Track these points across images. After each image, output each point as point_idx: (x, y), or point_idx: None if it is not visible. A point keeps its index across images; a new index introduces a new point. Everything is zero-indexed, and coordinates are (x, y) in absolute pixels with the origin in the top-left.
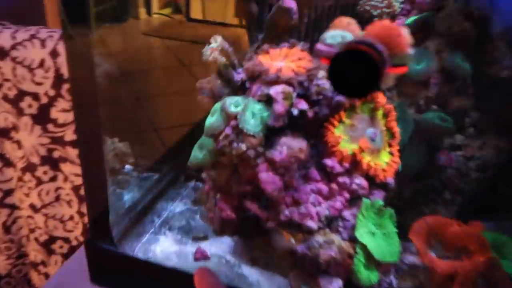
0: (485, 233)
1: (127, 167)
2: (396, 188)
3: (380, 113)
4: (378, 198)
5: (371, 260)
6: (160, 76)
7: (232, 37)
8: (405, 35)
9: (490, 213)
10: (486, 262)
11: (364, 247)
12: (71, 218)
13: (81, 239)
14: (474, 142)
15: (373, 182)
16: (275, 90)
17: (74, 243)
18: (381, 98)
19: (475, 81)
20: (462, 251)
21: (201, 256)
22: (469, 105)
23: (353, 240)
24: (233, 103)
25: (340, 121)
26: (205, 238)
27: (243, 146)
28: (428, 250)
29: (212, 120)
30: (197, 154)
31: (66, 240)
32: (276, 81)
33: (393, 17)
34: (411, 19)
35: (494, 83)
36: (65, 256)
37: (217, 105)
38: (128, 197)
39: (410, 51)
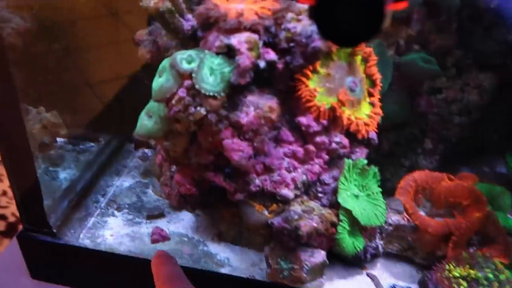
0: (478, 185)
1: (59, 140)
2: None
3: (358, 58)
4: (361, 156)
5: (355, 226)
6: (88, 27)
7: None
8: None
9: (472, 159)
10: (483, 218)
11: (348, 213)
12: (4, 193)
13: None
14: (455, 83)
15: (355, 138)
16: (238, 40)
17: (12, 219)
18: None
19: (459, 15)
20: (454, 207)
21: (159, 237)
22: (452, 43)
23: (334, 206)
24: (184, 58)
25: (315, 71)
26: (161, 215)
27: (202, 110)
28: (417, 209)
29: (161, 81)
30: (146, 122)
31: (2, 217)
32: (237, 28)
33: None
34: None
35: (479, 16)
36: (4, 234)
37: (165, 62)
38: (64, 175)
39: None
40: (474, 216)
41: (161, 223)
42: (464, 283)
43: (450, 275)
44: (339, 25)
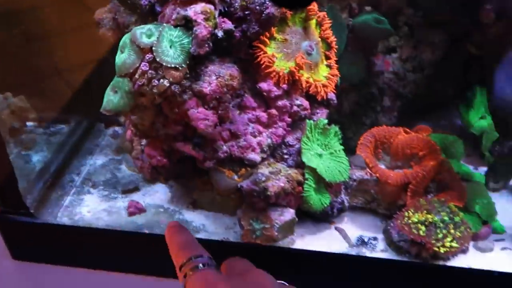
0: (432, 135)
1: (29, 123)
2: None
3: (313, 22)
4: (322, 116)
5: (321, 183)
6: (49, 13)
7: None
8: None
9: (429, 113)
10: (438, 166)
11: (313, 171)
12: None
13: None
14: (408, 41)
15: (315, 100)
16: (194, 11)
17: None
18: (313, 5)
19: None
20: (411, 158)
21: (135, 209)
22: (403, 2)
23: (300, 165)
24: (144, 32)
25: (272, 37)
26: (136, 189)
27: (166, 82)
28: (377, 163)
29: (123, 56)
30: (112, 97)
31: None
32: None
33: None
34: None
35: None
36: None
37: (126, 38)
38: (37, 158)
39: None
40: (429, 165)
41: (137, 197)
42: (423, 227)
43: (410, 221)
44: None
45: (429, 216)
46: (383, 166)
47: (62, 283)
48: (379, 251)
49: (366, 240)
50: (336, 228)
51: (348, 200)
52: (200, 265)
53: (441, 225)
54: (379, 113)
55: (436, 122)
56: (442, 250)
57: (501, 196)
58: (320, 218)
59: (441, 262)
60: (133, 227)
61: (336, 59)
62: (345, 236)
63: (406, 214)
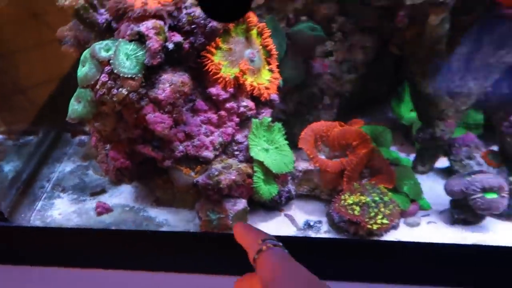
0: (364, 127)
1: None
2: (280, 102)
3: (254, 32)
4: (266, 115)
5: (269, 175)
6: (10, 31)
7: None
8: None
9: (366, 109)
10: (369, 153)
11: (261, 164)
12: None
13: None
14: (343, 46)
15: (259, 101)
16: (146, 27)
17: None
18: (252, 17)
19: None
20: (346, 148)
21: (102, 209)
22: (335, 11)
23: (249, 160)
24: (102, 47)
25: (217, 47)
26: (103, 191)
27: (124, 91)
28: (317, 154)
29: (84, 69)
30: (76, 107)
31: None
32: (144, 16)
33: None
34: None
35: None
36: None
37: (86, 53)
38: (9, 167)
39: None
40: (361, 153)
41: (104, 198)
42: (357, 208)
43: (346, 203)
44: (216, 6)
45: (362, 197)
46: (323, 157)
47: (38, 282)
48: (323, 232)
49: (312, 223)
50: (285, 215)
51: (295, 189)
52: (270, 245)
53: (373, 204)
54: (320, 110)
55: (373, 116)
56: (375, 227)
57: (428, 177)
58: (271, 207)
59: (376, 238)
60: (101, 226)
61: (277, 64)
62: (293, 221)
63: (343, 197)
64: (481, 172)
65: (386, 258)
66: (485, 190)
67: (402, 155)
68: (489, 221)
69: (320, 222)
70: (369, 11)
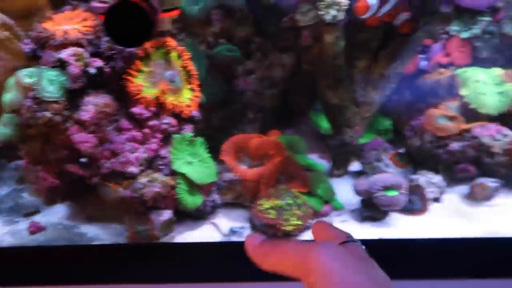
0: (281, 137)
1: None
2: (205, 119)
3: (174, 55)
4: (188, 131)
5: (193, 186)
6: None
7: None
8: None
9: (290, 121)
10: (283, 161)
11: (183, 176)
12: None
13: None
14: (263, 64)
15: (181, 118)
16: (66, 53)
17: None
18: (171, 41)
19: (253, 11)
20: (265, 158)
21: (35, 229)
22: (252, 33)
23: (174, 173)
24: (27, 74)
25: (138, 70)
26: (37, 212)
27: (48, 114)
28: (237, 164)
29: (9, 96)
30: (3, 131)
31: None
32: (64, 44)
33: None
34: None
35: (269, 9)
36: None
37: (11, 80)
38: None
39: None
40: (277, 161)
41: (38, 218)
42: (273, 212)
43: (262, 208)
44: (120, 33)
45: (277, 202)
46: (244, 166)
47: None
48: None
49: (236, 230)
50: (211, 223)
51: (220, 198)
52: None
53: (287, 207)
54: (245, 124)
55: (297, 127)
56: (289, 228)
57: (343, 180)
58: (197, 216)
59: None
60: (35, 244)
61: (198, 83)
62: (218, 228)
63: (260, 202)
64: (383, 172)
65: None
66: (386, 188)
67: (322, 162)
68: (393, 216)
69: (243, 227)
70: (285, 31)
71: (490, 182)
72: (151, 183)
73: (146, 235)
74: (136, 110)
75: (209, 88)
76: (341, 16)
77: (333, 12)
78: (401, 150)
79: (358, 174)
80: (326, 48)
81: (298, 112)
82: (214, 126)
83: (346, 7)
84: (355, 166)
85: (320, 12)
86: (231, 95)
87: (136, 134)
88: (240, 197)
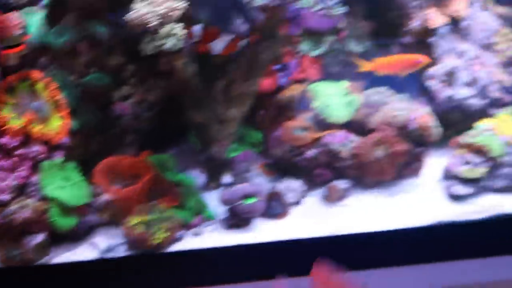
0: (151, 157)
1: None
2: (83, 144)
3: (40, 86)
4: (58, 156)
5: (66, 209)
6: None
7: None
8: (7, 18)
9: (171, 141)
10: (151, 178)
11: (55, 200)
12: None
13: None
14: (139, 89)
15: (51, 145)
16: None
17: None
18: (36, 74)
19: (124, 42)
20: (136, 177)
21: None
22: (124, 61)
23: (45, 198)
24: None
25: (4, 102)
26: None
27: None
28: (110, 185)
29: None
30: None
31: None
32: None
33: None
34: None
35: (135, 40)
36: None
37: None
38: None
39: (17, 32)
40: (145, 179)
41: None
42: (142, 226)
43: (130, 224)
44: None
45: (144, 217)
46: (118, 186)
47: None
48: (121, 252)
49: (112, 247)
50: (90, 243)
51: (98, 218)
52: None
53: (154, 221)
54: (124, 148)
55: (179, 147)
56: (157, 241)
57: (217, 192)
58: (74, 237)
59: (166, 250)
60: None
61: (68, 111)
62: (96, 247)
63: (128, 219)
64: (243, 183)
65: (170, 267)
66: (246, 196)
67: (200, 176)
68: (257, 222)
69: (120, 244)
70: (157, 58)
71: (341, 184)
72: (22, 209)
73: (21, 258)
74: (2, 140)
75: (83, 115)
76: (180, 44)
77: (172, 41)
78: (270, 160)
79: (230, 185)
80: (178, 73)
81: (179, 132)
82: (93, 151)
83: (184, 36)
84: (228, 178)
85: (159, 43)
86: (107, 121)
87: (3, 163)
88: (115, 215)
